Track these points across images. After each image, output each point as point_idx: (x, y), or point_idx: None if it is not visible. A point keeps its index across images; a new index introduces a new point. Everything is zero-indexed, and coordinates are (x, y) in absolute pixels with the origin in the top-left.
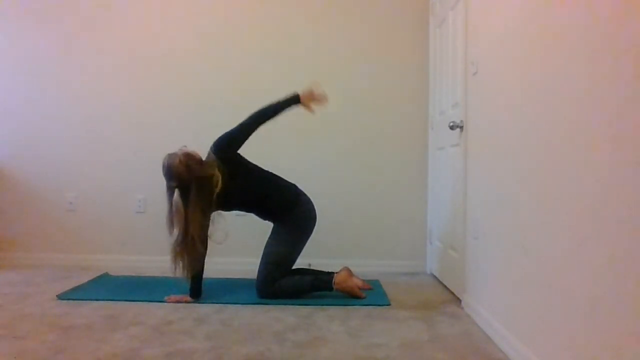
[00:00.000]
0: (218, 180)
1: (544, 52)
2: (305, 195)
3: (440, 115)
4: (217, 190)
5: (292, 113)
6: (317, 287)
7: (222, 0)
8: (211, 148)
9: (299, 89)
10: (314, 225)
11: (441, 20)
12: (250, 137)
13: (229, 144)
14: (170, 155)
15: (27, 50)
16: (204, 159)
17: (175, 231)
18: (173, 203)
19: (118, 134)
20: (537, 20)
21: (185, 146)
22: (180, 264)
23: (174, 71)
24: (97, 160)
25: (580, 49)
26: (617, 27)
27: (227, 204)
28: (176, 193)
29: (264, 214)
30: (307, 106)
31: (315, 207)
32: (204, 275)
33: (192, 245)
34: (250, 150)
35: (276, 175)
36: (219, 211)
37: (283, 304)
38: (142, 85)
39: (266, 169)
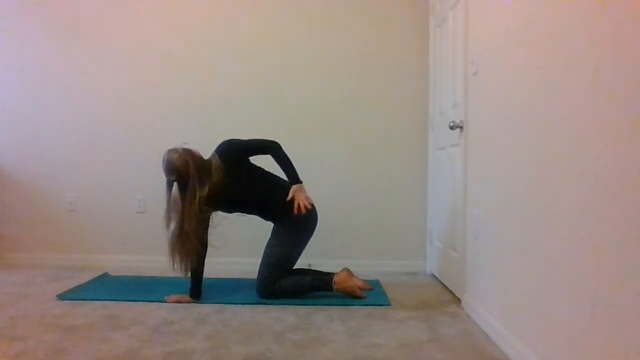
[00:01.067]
0: (217, 177)
1: (544, 52)
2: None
3: (440, 115)
4: (216, 186)
5: (292, 113)
6: (317, 287)
7: (222, 1)
8: (218, 147)
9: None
10: (315, 225)
11: (441, 20)
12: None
13: (236, 151)
14: (170, 150)
15: (27, 50)
16: (204, 157)
17: (172, 225)
18: (171, 197)
19: (118, 134)
20: (537, 20)
21: (185, 143)
22: (177, 260)
23: (174, 72)
24: (97, 160)
25: (580, 48)
26: (618, 27)
27: (228, 204)
28: (175, 188)
29: (265, 214)
30: (292, 193)
31: (316, 207)
32: (204, 275)
33: (187, 240)
34: None
35: (277, 176)
36: (221, 213)
37: (283, 304)
38: (142, 86)
39: (267, 169)
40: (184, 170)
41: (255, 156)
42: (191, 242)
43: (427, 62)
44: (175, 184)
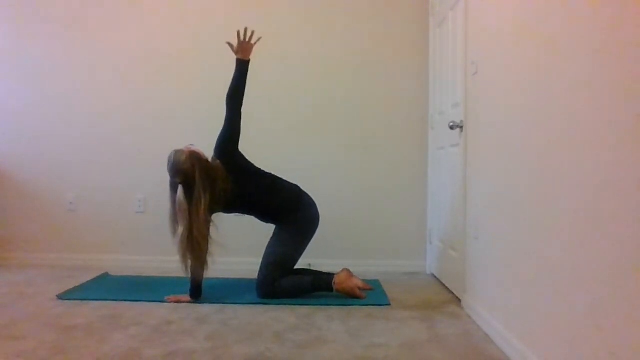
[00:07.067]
0: (222, 180)
1: (544, 52)
2: (308, 196)
3: (440, 115)
4: (222, 189)
5: (292, 113)
6: (318, 288)
7: (222, 1)
8: (214, 153)
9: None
10: (317, 226)
11: (441, 20)
12: (252, 139)
13: (228, 142)
14: (177, 152)
15: (27, 51)
16: (210, 160)
17: (180, 229)
18: (176, 201)
19: (118, 134)
20: (537, 20)
21: (192, 144)
22: (189, 262)
23: (174, 71)
24: (97, 160)
25: (580, 48)
26: (617, 26)
27: (229, 206)
28: (180, 191)
29: (266, 217)
30: (241, 51)
31: (317, 207)
32: (204, 275)
33: (197, 243)
34: (252, 152)
35: (279, 177)
36: (219, 215)
37: (283, 304)
38: (142, 85)
39: (268, 170)
40: (190, 174)
41: (257, 155)
42: (200, 245)
43: (427, 62)
44: (180, 187)
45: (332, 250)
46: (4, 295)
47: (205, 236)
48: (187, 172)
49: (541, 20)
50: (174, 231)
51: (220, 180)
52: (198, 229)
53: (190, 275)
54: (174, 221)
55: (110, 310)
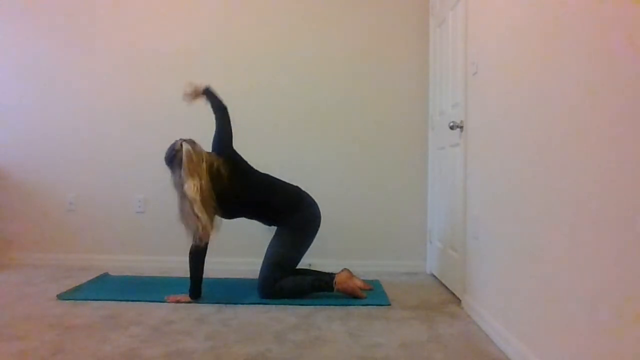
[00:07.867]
0: (220, 163)
1: (544, 52)
2: (309, 197)
3: (440, 115)
4: (220, 183)
5: (292, 113)
6: (318, 288)
7: (221, 0)
8: (212, 149)
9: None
10: (318, 226)
11: (441, 21)
12: (252, 139)
13: (224, 137)
14: (173, 143)
15: (26, 51)
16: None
17: (196, 181)
18: (187, 154)
19: (118, 134)
20: (537, 20)
21: None
22: (198, 219)
23: (174, 71)
24: (97, 160)
25: (580, 48)
26: (617, 27)
27: (230, 209)
28: (186, 146)
29: (267, 219)
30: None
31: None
32: (204, 275)
33: (207, 197)
34: (252, 152)
35: (279, 179)
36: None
37: (283, 304)
38: (142, 85)
39: (268, 170)
40: (190, 141)
41: (258, 155)
42: (212, 200)
43: (427, 62)
44: (185, 144)
45: (332, 251)
46: (4, 295)
47: (213, 198)
48: (189, 142)
49: (541, 20)
50: (183, 219)
51: (216, 163)
52: (206, 185)
53: (189, 233)
54: (183, 198)
55: (110, 310)
